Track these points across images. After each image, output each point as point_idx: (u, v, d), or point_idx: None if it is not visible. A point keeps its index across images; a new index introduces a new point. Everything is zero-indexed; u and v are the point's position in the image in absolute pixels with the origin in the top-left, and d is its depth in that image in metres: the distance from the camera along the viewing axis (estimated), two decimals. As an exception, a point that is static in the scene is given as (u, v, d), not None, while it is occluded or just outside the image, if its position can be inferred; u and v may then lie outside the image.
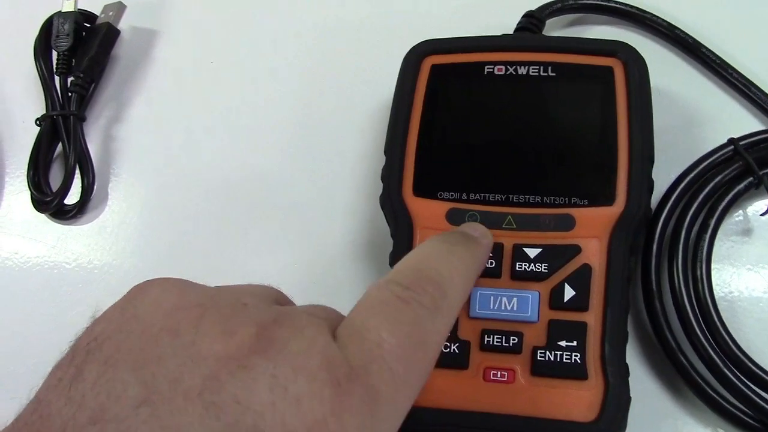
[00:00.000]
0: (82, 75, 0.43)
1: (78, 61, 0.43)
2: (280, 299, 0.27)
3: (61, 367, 0.22)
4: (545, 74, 0.35)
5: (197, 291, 0.24)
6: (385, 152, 0.35)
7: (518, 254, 0.32)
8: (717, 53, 0.39)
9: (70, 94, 0.43)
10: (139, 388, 0.20)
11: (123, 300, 0.24)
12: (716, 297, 0.33)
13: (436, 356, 0.25)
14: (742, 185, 0.34)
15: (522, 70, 0.35)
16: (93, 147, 0.43)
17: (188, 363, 0.21)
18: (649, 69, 0.34)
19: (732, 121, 0.38)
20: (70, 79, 0.43)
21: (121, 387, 0.20)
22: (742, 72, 0.38)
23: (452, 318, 0.26)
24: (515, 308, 0.31)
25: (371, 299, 0.25)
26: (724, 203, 0.34)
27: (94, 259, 0.41)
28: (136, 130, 0.44)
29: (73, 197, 0.42)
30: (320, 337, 0.22)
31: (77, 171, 0.41)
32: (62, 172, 0.42)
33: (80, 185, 0.41)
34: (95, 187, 0.42)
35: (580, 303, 0.31)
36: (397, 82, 0.36)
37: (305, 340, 0.22)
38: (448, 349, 0.31)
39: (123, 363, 0.21)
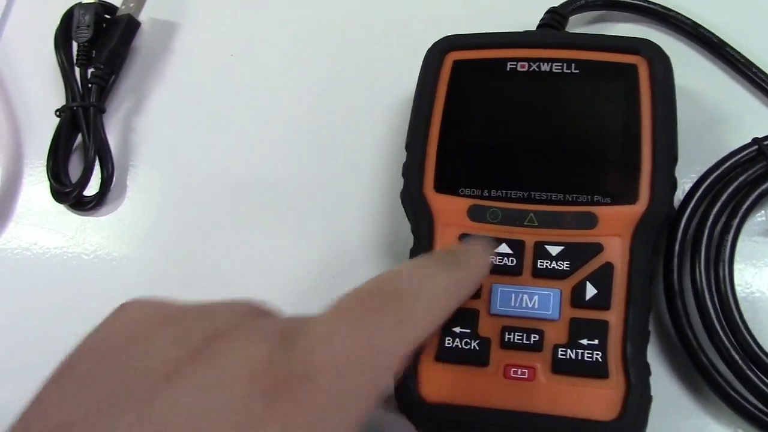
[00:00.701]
0: (102, 66, 0.43)
1: (98, 52, 0.43)
2: (257, 313, 0.26)
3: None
4: (568, 71, 0.35)
5: (166, 306, 0.25)
6: (406, 148, 0.35)
7: (540, 252, 0.32)
8: (742, 52, 0.38)
9: (90, 85, 0.43)
10: (76, 408, 0.21)
11: (101, 322, 0.25)
12: (738, 297, 0.33)
13: (386, 372, 0.24)
14: (766, 185, 0.34)
15: (545, 67, 0.35)
16: (112, 139, 0.43)
17: (133, 378, 0.21)
18: (674, 69, 0.34)
19: (756, 120, 0.37)
20: (90, 71, 0.43)
21: (59, 402, 0.21)
22: (766, 71, 0.38)
23: (413, 336, 0.25)
24: (536, 306, 0.31)
25: (330, 307, 0.24)
26: (747, 203, 0.34)
27: (113, 251, 0.41)
28: (156, 123, 0.44)
29: (92, 189, 0.42)
30: (257, 349, 0.22)
31: (97, 162, 0.41)
32: (82, 163, 0.42)
33: (99, 177, 0.41)
34: (114, 178, 0.42)
35: (602, 301, 0.30)
36: (419, 78, 0.36)
37: (239, 353, 0.22)
38: (469, 346, 0.31)
39: (75, 380, 0.22)
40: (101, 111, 0.43)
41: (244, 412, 0.20)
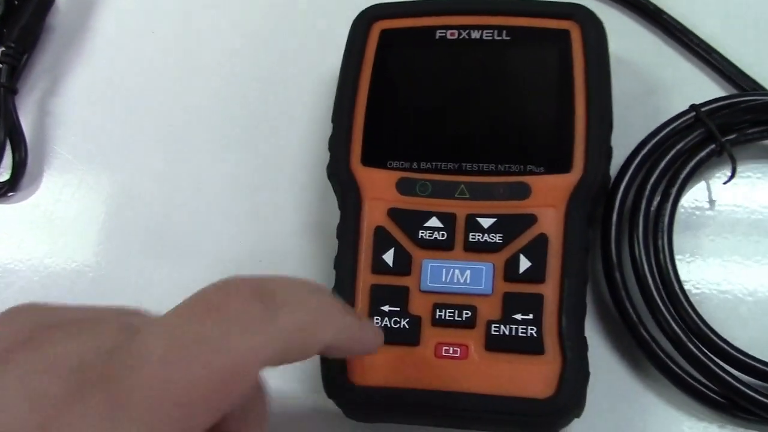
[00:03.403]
0: (13, 45, 0.40)
1: (9, 30, 0.41)
2: (122, 313, 0.25)
3: None
4: (499, 38, 0.33)
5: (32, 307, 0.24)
6: (332, 121, 0.33)
7: (471, 224, 0.30)
8: (678, 20, 0.38)
9: (0, 65, 0.40)
10: None
11: None
12: (678, 268, 0.32)
13: (225, 375, 0.21)
14: (704, 153, 0.33)
15: (475, 34, 0.34)
16: (26, 122, 0.40)
17: None
18: (609, 37, 0.33)
19: (693, 88, 0.37)
20: (0, 50, 0.41)
21: None
22: (703, 38, 0.37)
23: (266, 347, 0.22)
24: (468, 281, 0.30)
25: (183, 302, 0.22)
26: (685, 171, 0.33)
27: (27, 237, 0.38)
28: (73, 104, 0.41)
29: (3, 174, 0.39)
30: (91, 341, 0.21)
31: (8, 146, 0.39)
32: (-9, 147, 0.39)
33: (11, 162, 0.39)
34: (28, 163, 0.39)
35: (536, 274, 0.29)
36: (345, 48, 0.34)
37: (70, 343, 0.21)
38: (398, 325, 0.29)
39: None
40: (13, 92, 0.40)
41: (53, 401, 0.20)
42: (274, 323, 0.22)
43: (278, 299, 0.23)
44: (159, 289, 0.36)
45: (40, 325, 0.22)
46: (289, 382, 0.33)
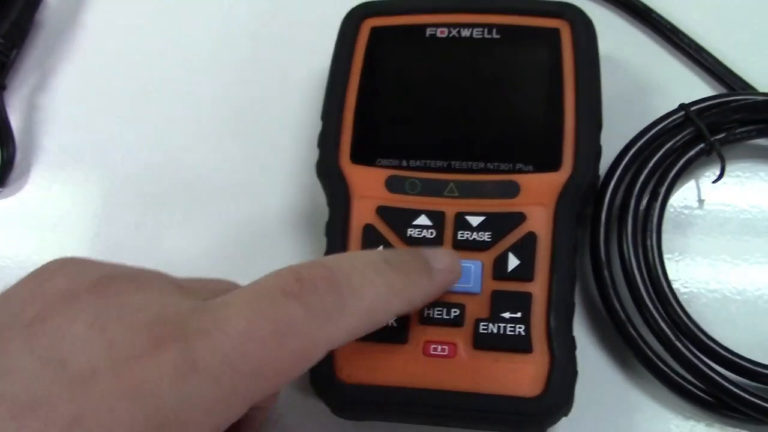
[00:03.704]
0: (2, 41, 0.40)
1: (-2, 26, 0.41)
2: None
3: None
4: (489, 36, 0.33)
5: (100, 264, 0.25)
6: (322, 118, 0.33)
7: (460, 222, 0.30)
8: (668, 19, 0.38)
9: (-12, 60, 0.40)
10: None
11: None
12: (667, 267, 0.32)
13: (300, 361, 0.23)
14: (693, 152, 0.33)
15: (465, 33, 0.34)
16: (15, 118, 0.40)
17: (30, 298, 0.22)
18: (598, 35, 0.33)
19: (683, 87, 0.37)
20: (-11, 45, 0.41)
21: None
22: (692, 38, 0.37)
23: (340, 332, 0.24)
24: (457, 279, 0.29)
25: (260, 281, 0.24)
26: (674, 170, 0.33)
27: (15, 234, 0.38)
28: (62, 100, 0.41)
29: (-9, 170, 0.39)
30: (165, 298, 0.22)
31: (-4, 142, 0.39)
32: (-21, 143, 0.39)
33: (0, 157, 0.39)
34: (16, 159, 0.39)
35: (525, 273, 0.29)
36: (335, 46, 0.34)
37: (147, 295, 0.22)
38: (387, 323, 0.29)
39: None
40: (2, 88, 0.40)
41: (129, 348, 0.21)
42: (346, 311, 0.24)
43: (350, 285, 0.24)
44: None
45: (103, 275, 0.23)
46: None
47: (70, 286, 0.22)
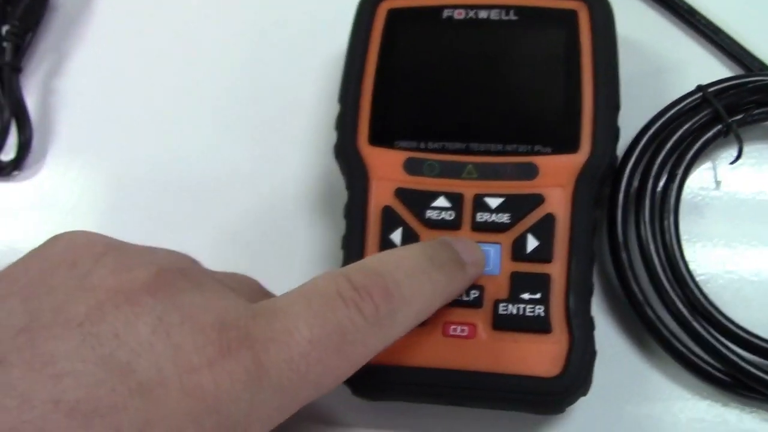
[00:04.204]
0: (17, 23, 0.40)
1: (13, 8, 0.41)
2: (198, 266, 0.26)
3: None
4: (507, 18, 0.33)
5: (108, 237, 0.24)
6: (339, 100, 0.33)
7: (479, 204, 0.30)
8: (685, 0, 0.38)
9: (4, 43, 0.40)
10: (23, 316, 0.20)
11: (37, 247, 0.24)
12: (684, 248, 0.32)
13: (354, 367, 0.24)
14: (710, 133, 0.33)
15: (483, 14, 0.34)
16: (31, 101, 0.40)
17: (77, 293, 0.21)
18: (616, 17, 0.33)
19: (700, 68, 0.37)
20: (5, 28, 0.41)
21: (5, 316, 0.20)
22: (710, 19, 0.37)
23: (390, 338, 0.25)
24: (476, 260, 0.30)
25: (311, 285, 0.24)
26: (692, 152, 0.33)
27: (31, 216, 0.38)
28: (78, 83, 0.41)
29: (9, 153, 0.39)
30: (222, 299, 0.22)
31: (13, 125, 0.39)
32: (-4, 126, 0.39)
33: (16, 141, 0.39)
34: (33, 142, 0.39)
35: (544, 254, 0.29)
36: (352, 28, 0.34)
37: (204, 295, 0.22)
38: None
39: (15, 295, 0.21)
40: (17, 70, 0.40)
41: (197, 355, 0.20)
42: (398, 318, 0.25)
43: (401, 293, 0.25)
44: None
45: (162, 269, 0.22)
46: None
47: (123, 283, 0.21)
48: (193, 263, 0.25)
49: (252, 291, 0.24)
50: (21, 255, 0.37)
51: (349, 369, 0.24)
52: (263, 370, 0.21)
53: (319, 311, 0.23)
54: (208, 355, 0.20)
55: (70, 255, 0.22)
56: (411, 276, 0.25)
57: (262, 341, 0.21)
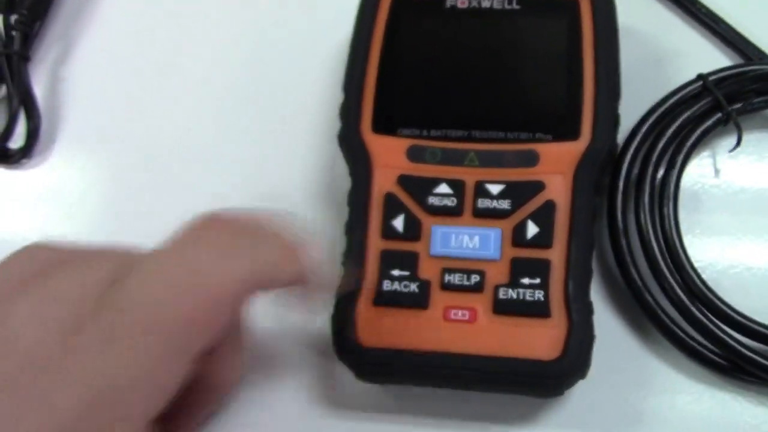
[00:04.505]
0: (26, 12, 0.41)
1: (22, -3, 0.41)
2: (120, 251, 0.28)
3: None
4: (509, 7, 0.34)
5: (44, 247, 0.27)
6: (343, 88, 0.33)
7: (480, 191, 0.31)
8: (685, -12, 0.38)
9: (13, 32, 0.40)
10: None
11: None
12: (683, 235, 0.32)
13: (210, 308, 0.25)
14: (710, 121, 0.34)
15: (485, 3, 0.34)
16: (39, 89, 0.41)
17: None
18: (617, 5, 0.33)
19: (700, 57, 0.37)
20: (13, 17, 0.41)
21: None
22: (710, 8, 0.37)
23: (242, 275, 0.25)
24: (477, 246, 0.30)
25: (165, 242, 0.26)
26: (692, 140, 0.33)
27: (40, 204, 0.39)
28: (86, 72, 0.42)
29: (17, 141, 0.40)
30: (89, 277, 0.24)
31: (22, 114, 0.39)
32: (5, 114, 0.39)
33: (25, 129, 0.39)
34: (42, 130, 0.40)
35: (544, 240, 0.30)
36: (356, 16, 0.34)
37: (74, 274, 0.24)
38: (408, 289, 0.30)
39: None
40: (26, 59, 0.40)
41: (64, 324, 0.23)
42: (251, 256, 0.26)
43: (256, 233, 0.27)
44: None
45: (53, 260, 0.25)
46: (298, 345, 0.33)
47: (24, 274, 0.24)
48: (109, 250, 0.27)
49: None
50: (30, 242, 0.38)
51: (207, 308, 0.24)
52: (114, 334, 0.23)
53: (166, 260, 0.25)
54: (68, 326, 0.23)
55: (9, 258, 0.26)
56: (265, 224, 0.28)
57: (113, 307, 0.23)
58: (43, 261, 0.25)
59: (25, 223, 0.39)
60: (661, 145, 0.33)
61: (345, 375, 0.30)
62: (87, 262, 0.25)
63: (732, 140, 0.34)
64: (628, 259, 0.32)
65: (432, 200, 0.31)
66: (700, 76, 0.34)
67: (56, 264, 0.25)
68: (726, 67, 0.34)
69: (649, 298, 0.31)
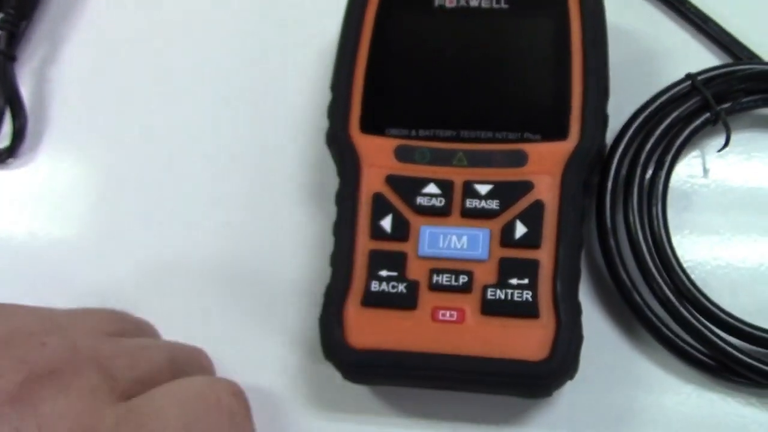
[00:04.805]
0: (12, 11, 0.40)
1: (8, -4, 0.41)
2: (115, 329, 0.27)
3: None
4: (497, 6, 0.34)
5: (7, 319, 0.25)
6: (331, 88, 0.33)
7: (468, 191, 0.31)
8: (674, -13, 0.38)
9: (-2, 32, 0.40)
10: None
11: None
12: (671, 235, 0.32)
13: None
14: (699, 121, 0.34)
15: (474, 2, 0.34)
16: (25, 89, 0.41)
17: None
18: (605, 4, 0.33)
19: (689, 57, 0.37)
20: (-1, 16, 0.41)
21: None
22: (699, 7, 0.37)
23: None
24: (465, 246, 0.30)
25: (187, 386, 0.26)
26: (680, 139, 0.33)
27: (26, 204, 0.39)
28: (73, 72, 0.41)
29: (3, 141, 0.39)
30: (81, 403, 0.23)
31: (8, 114, 0.39)
32: (-10, 115, 0.39)
33: (11, 128, 0.39)
34: (27, 130, 0.40)
35: (532, 240, 0.30)
36: (344, 15, 0.34)
37: (64, 402, 0.22)
38: (396, 289, 0.30)
39: None
40: (12, 59, 0.40)
41: None
42: None
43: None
44: (158, 258, 0.36)
45: (30, 376, 0.23)
46: (286, 346, 0.33)
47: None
48: (115, 326, 0.27)
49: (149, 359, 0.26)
50: (16, 242, 0.37)
51: None
52: None
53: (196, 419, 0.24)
54: None
55: None
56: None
57: None
58: (17, 378, 0.23)
59: (10, 222, 0.38)
60: (649, 144, 0.33)
61: (333, 376, 0.30)
62: (65, 384, 0.23)
63: (721, 140, 0.34)
64: (617, 259, 0.32)
65: (420, 200, 0.31)
66: (688, 76, 0.34)
67: (34, 385, 0.23)
68: (715, 67, 0.34)
69: (638, 298, 0.31)
